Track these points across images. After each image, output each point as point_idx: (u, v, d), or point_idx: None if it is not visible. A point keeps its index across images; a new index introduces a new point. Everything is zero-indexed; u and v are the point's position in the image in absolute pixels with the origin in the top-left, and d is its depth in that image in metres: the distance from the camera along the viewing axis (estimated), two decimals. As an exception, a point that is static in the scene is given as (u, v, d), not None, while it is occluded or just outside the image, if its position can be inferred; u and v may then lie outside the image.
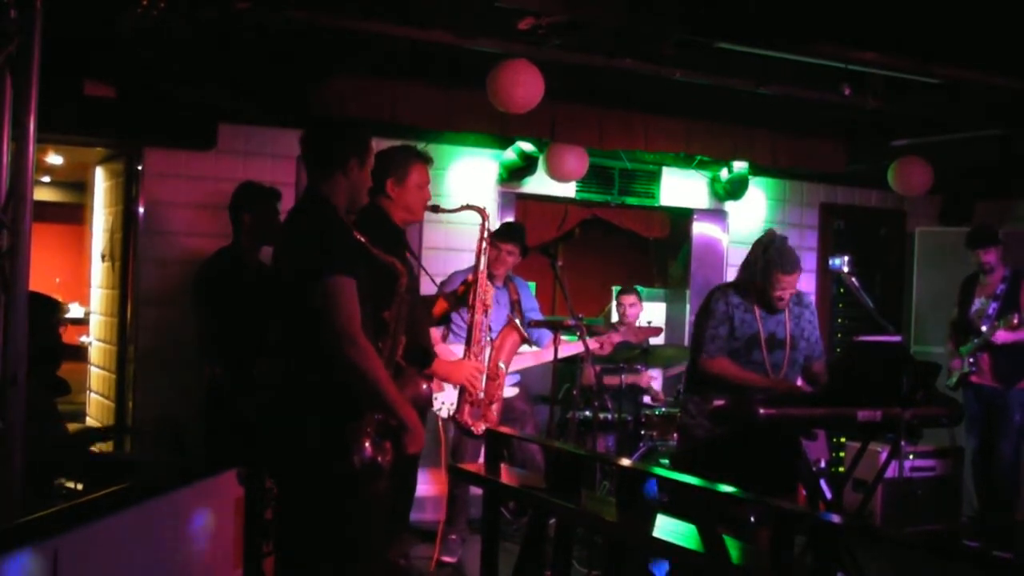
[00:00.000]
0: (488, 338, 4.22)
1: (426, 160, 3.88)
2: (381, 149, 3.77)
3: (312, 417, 2.94)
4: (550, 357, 5.07)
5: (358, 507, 2.97)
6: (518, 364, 5.05)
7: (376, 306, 3.10)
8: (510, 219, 6.62)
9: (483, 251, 4.11)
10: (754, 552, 2.62)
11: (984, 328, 5.99)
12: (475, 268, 4.11)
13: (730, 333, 4.33)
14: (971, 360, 6.07)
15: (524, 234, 5.43)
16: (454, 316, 4.90)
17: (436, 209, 4.10)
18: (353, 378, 2.89)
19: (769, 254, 4.31)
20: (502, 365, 4.30)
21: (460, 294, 4.12)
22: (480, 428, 4.12)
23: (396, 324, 3.20)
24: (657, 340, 7.05)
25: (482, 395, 4.14)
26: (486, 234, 4.13)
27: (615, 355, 5.82)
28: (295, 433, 2.96)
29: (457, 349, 4.91)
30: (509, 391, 5.34)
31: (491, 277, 5.33)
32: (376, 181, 3.67)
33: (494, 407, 4.19)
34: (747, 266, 4.44)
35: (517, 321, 4.61)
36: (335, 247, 2.94)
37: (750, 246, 4.50)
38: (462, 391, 4.14)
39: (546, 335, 5.42)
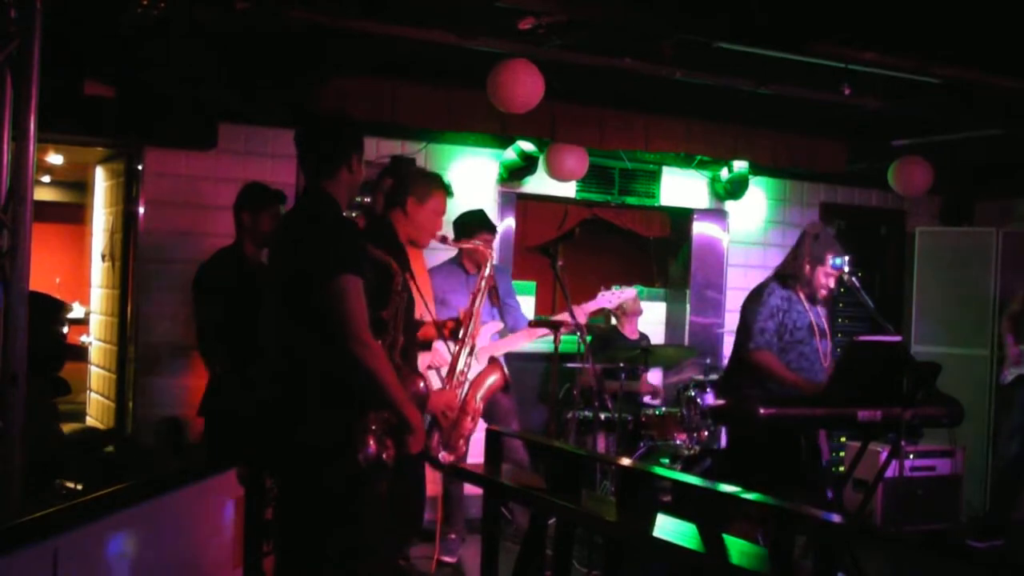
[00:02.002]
0: (468, 376, 4.26)
1: (448, 192, 4.00)
2: (409, 168, 3.83)
3: (316, 415, 2.94)
4: (523, 342, 5.14)
5: (361, 505, 2.96)
6: (496, 351, 5.05)
7: (374, 306, 3.11)
8: (511, 219, 6.64)
9: (482, 290, 4.16)
10: (754, 552, 2.62)
11: None
12: (471, 305, 4.17)
13: (779, 327, 4.54)
14: None
15: (486, 216, 5.41)
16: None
17: (445, 240, 4.17)
18: (360, 376, 2.89)
19: (820, 240, 4.62)
20: (479, 400, 4.34)
21: (452, 327, 4.17)
22: (448, 459, 4.17)
23: (394, 323, 3.20)
24: (657, 340, 7.08)
25: (452, 428, 4.19)
26: (487, 271, 4.19)
27: (616, 355, 5.83)
28: (299, 432, 2.96)
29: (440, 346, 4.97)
30: None
31: (467, 269, 5.34)
32: (397, 195, 3.70)
33: (462, 442, 4.25)
34: (795, 257, 4.68)
35: (483, 323, 4.64)
36: (343, 246, 2.94)
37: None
38: (434, 419, 4.15)
39: (521, 320, 5.43)
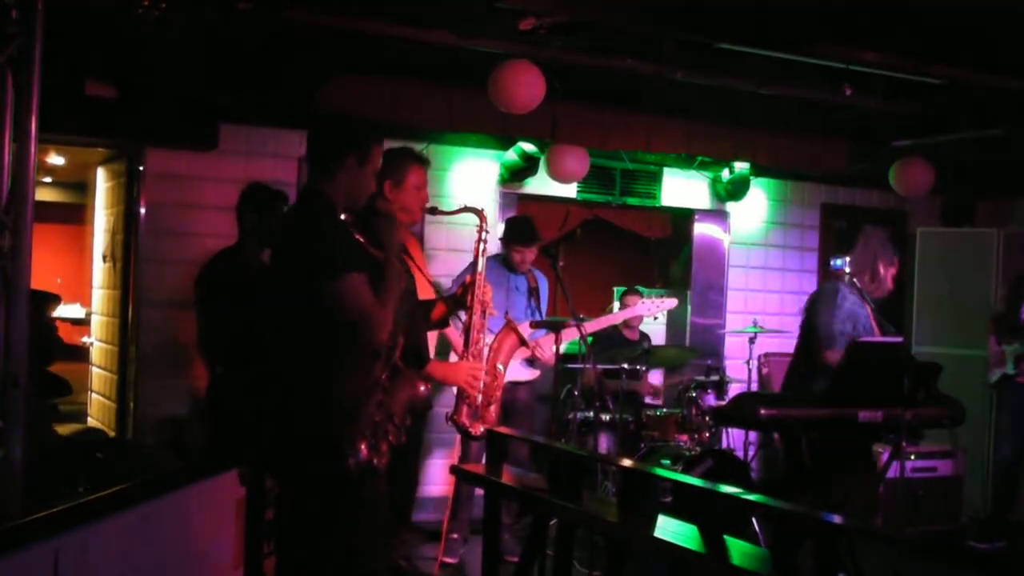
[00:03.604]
0: (485, 341, 4.20)
1: (423, 162, 3.89)
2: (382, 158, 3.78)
3: (308, 418, 2.93)
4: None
5: (355, 508, 2.96)
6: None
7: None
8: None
9: (481, 252, 4.10)
10: (755, 553, 2.62)
11: None
12: (473, 270, 4.10)
13: (854, 329, 4.65)
14: (1015, 360, 6.04)
15: (534, 229, 5.49)
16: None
17: (434, 211, 4.10)
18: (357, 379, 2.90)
19: (885, 240, 4.91)
20: (500, 366, 4.29)
21: (458, 295, 4.11)
22: (479, 430, 4.11)
23: (395, 325, 3.19)
24: (658, 340, 7.07)
25: (480, 397, 4.13)
26: (484, 235, 4.12)
27: (617, 355, 5.83)
28: (291, 434, 2.96)
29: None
30: (528, 374, 5.44)
31: (513, 269, 5.44)
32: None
33: (492, 408, 4.18)
34: (867, 257, 4.88)
35: (519, 320, 4.61)
36: (339, 247, 2.93)
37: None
38: (460, 392, 4.12)
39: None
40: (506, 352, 4.38)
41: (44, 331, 4.19)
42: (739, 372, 6.49)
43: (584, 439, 5.85)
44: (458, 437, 5.30)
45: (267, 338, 3.14)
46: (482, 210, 4.16)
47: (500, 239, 5.61)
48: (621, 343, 6.28)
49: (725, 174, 7.14)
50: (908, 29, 4.67)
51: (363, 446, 2.91)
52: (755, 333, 6.26)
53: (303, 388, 2.96)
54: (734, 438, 6.24)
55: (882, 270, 4.81)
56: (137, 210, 5.66)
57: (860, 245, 4.87)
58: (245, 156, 5.82)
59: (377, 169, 3.22)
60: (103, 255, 6.48)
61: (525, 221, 5.62)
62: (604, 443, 5.82)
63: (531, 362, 5.54)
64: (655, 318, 6.34)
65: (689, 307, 7.32)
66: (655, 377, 6.77)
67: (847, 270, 4.78)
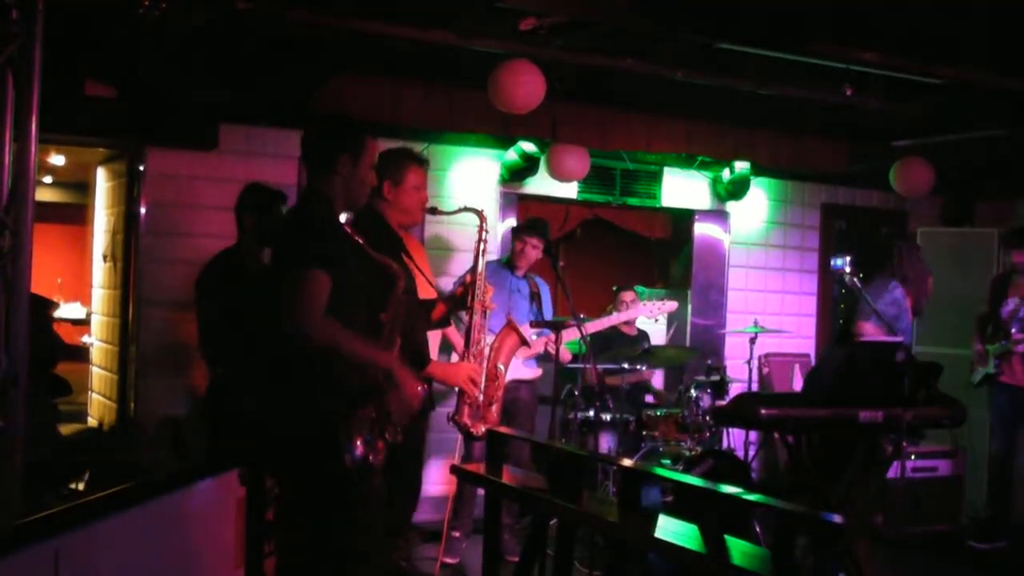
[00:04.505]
0: (486, 341, 4.21)
1: (422, 162, 3.90)
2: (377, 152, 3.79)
3: (303, 416, 2.93)
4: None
5: (352, 506, 2.96)
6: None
7: (372, 308, 3.11)
8: (512, 219, 6.63)
9: (481, 252, 4.11)
10: (756, 553, 2.62)
11: (1014, 330, 5.97)
12: (473, 269, 4.11)
13: (894, 319, 5.01)
14: (997, 361, 6.05)
15: (547, 228, 5.53)
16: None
17: (434, 211, 4.11)
18: (340, 370, 2.90)
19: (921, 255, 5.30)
20: (501, 367, 4.29)
21: (459, 295, 4.11)
22: (480, 429, 4.11)
23: (391, 326, 3.20)
24: (658, 340, 7.07)
25: (481, 397, 4.13)
26: (484, 235, 4.13)
27: (616, 354, 5.83)
28: (288, 432, 2.96)
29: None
30: (530, 373, 5.48)
31: (514, 268, 5.42)
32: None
33: (493, 408, 4.18)
34: (918, 269, 5.29)
35: (521, 323, 4.61)
36: (313, 240, 2.93)
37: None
38: (461, 393, 4.13)
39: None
40: (507, 352, 4.38)
41: (47, 334, 4.19)
42: (739, 372, 6.49)
43: (584, 439, 5.85)
44: (459, 437, 5.31)
45: (266, 337, 3.15)
46: (482, 210, 4.17)
47: (511, 230, 5.63)
48: (620, 341, 6.29)
49: (725, 174, 7.14)
50: (908, 29, 4.67)
51: (359, 443, 2.92)
52: (755, 333, 6.26)
53: (298, 387, 2.96)
54: (734, 438, 6.23)
55: (928, 280, 5.17)
56: (137, 210, 5.66)
57: (905, 264, 5.10)
58: (245, 156, 5.82)
59: (374, 163, 3.23)
60: (103, 255, 6.47)
61: (539, 218, 5.69)
62: (604, 443, 5.82)
63: (539, 359, 5.55)
64: (656, 320, 6.34)
65: (689, 307, 7.32)
66: (656, 380, 6.78)
67: (847, 270, 4.77)
